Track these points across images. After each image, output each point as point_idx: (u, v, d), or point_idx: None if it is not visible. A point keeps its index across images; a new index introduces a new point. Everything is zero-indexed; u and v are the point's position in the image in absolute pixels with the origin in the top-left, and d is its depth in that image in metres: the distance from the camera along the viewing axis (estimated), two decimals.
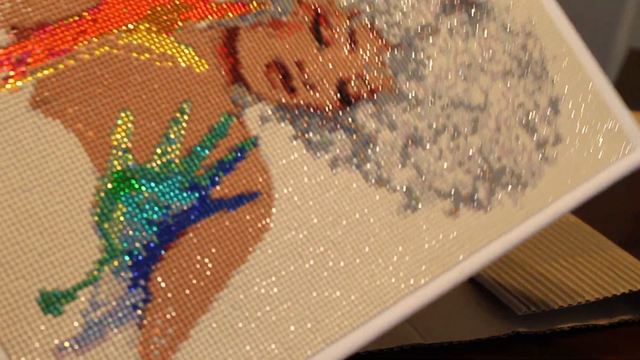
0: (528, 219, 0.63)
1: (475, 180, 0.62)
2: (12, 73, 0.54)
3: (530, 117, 0.65)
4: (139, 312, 0.53)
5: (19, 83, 0.54)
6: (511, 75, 0.65)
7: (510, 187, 0.63)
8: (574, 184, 0.65)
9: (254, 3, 0.60)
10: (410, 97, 0.62)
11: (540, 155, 0.64)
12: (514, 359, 0.71)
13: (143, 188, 0.55)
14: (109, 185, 0.54)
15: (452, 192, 0.61)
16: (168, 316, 0.53)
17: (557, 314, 0.76)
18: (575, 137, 0.66)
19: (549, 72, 0.67)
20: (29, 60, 0.54)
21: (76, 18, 0.56)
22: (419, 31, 0.64)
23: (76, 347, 0.51)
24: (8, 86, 0.54)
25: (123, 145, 0.55)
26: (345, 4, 0.63)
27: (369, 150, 0.60)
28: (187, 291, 0.54)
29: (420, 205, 0.60)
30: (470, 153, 0.62)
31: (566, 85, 0.67)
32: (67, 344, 0.51)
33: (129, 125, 0.55)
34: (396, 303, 0.58)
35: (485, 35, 0.66)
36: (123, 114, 0.55)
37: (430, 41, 0.64)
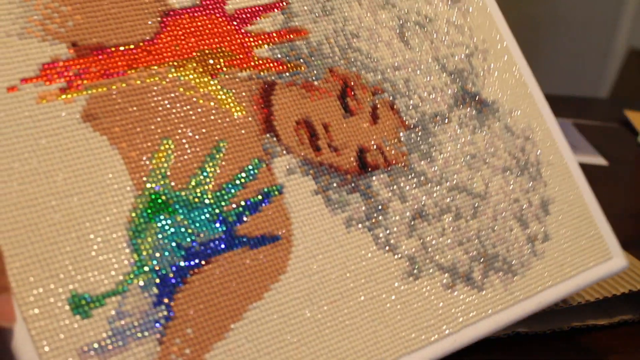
0: (515, 304, 0.66)
1: (472, 261, 0.66)
2: (67, 85, 0.56)
3: (523, 213, 0.69)
4: (161, 328, 0.54)
5: (74, 95, 0.56)
6: (510, 172, 0.70)
7: (501, 272, 0.66)
8: (556, 281, 0.69)
9: (291, 63, 0.64)
10: (420, 174, 0.66)
11: (530, 248, 0.68)
12: (514, 359, 0.71)
13: (176, 213, 0.57)
14: (145, 205, 0.56)
15: (451, 268, 0.64)
16: (187, 337, 0.54)
17: (557, 314, 0.76)
18: (561, 238, 0.71)
19: (543, 175, 0.72)
20: (86, 76, 0.57)
21: (132, 46, 0.59)
22: (433, 117, 0.68)
23: (99, 352, 0.52)
24: (63, 96, 0.56)
25: (162, 170, 0.57)
26: (371, 80, 0.67)
27: (381, 217, 0.63)
28: (207, 316, 0.56)
29: (422, 275, 0.63)
30: (469, 235, 0.66)
31: (557, 190, 0.72)
32: (92, 347, 0.52)
33: (170, 152, 0.58)
34: None
35: (490, 132, 0.70)
36: (165, 142, 0.58)
37: (442, 128, 0.68)
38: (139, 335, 0.53)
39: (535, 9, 2.12)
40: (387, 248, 0.63)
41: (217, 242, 0.57)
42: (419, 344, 0.62)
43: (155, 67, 0.59)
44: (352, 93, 0.66)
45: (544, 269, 0.69)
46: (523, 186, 0.70)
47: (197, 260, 0.56)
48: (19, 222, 0.52)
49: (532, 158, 0.72)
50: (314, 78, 0.65)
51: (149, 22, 0.60)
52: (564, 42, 2.10)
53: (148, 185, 0.57)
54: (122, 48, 0.59)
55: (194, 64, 0.61)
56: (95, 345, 0.52)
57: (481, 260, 0.66)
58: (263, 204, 0.60)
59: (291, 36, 0.65)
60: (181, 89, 0.60)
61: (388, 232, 0.63)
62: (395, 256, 0.63)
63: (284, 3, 0.65)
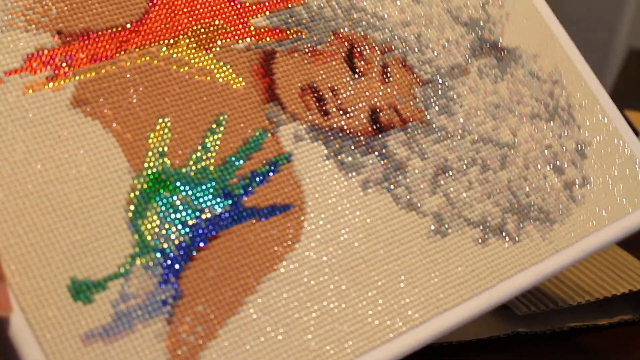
0: (556, 253, 0.63)
1: (504, 212, 0.62)
2: (54, 73, 0.55)
3: (557, 159, 0.66)
4: (168, 307, 0.52)
5: (61, 83, 0.55)
6: (539, 119, 0.66)
7: (538, 222, 0.63)
8: (599, 226, 0.65)
9: (291, 30, 0.62)
10: (440, 129, 0.63)
11: (568, 194, 0.65)
12: (514, 359, 0.70)
13: (177, 190, 0.55)
14: (144, 185, 0.54)
15: (481, 222, 0.61)
16: (197, 314, 0.53)
17: (557, 314, 0.75)
18: (600, 182, 0.67)
19: (576, 119, 0.68)
20: (72, 63, 0.56)
21: (119, 29, 0.58)
22: (450, 70, 0.65)
23: (104, 335, 0.51)
24: (50, 85, 0.55)
25: (160, 149, 0.56)
26: (379, 39, 0.64)
27: (400, 176, 0.61)
28: (218, 292, 0.54)
29: (449, 231, 0.60)
30: (499, 187, 0.63)
31: (592, 132, 0.68)
32: (96, 332, 0.50)
33: (166, 131, 0.56)
34: (425, 322, 0.58)
35: (514, 80, 0.67)
36: (161, 120, 0.56)
37: (460, 80, 0.65)
38: (146, 316, 0.52)
39: None
40: (409, 207, 0.60)
41: (223, 216, 0.56)
42: (451, 302, 0.59)
43: (146, 47, 0.58)
44: (360, 54, 0.63)
45: (585, 214, 0.65)
46: (555, 131, 0.67)
47: (203, 237, 0.55)
48: (11, 211, 0.51)
49: (562, 102, 0.68)
50: (316, 43, 0.63)
51: (137, 3, 0.59)
52: None
53: (146, 165, 0.55)
54: (108, 31, 0.57)
55: (187, 40, 0.59)
56: (100, 330, 0.51)
57: (514, 211, 0.63)
58: (271, 174, 0.58)
59: (289, 2, 0.63)
60: (174, 66, 0.58)
61: (409, 191, 0.61)
62: (419, 215, 0.60)
63: None
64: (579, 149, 0.67)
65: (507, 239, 0.62)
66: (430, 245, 0.60)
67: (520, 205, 0.63)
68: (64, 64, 0.56)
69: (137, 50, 0.58)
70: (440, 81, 0.65)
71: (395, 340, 0.57)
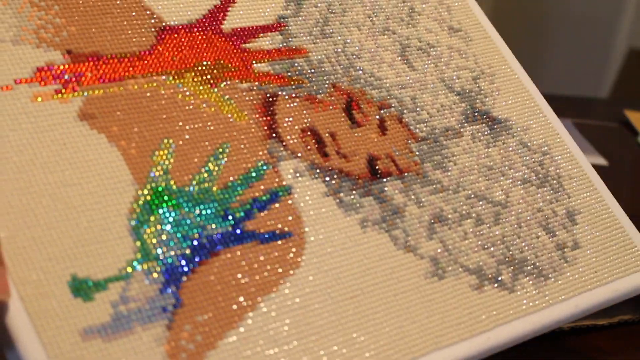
0: (550, 306, 0.62)
1: (499, 264, 0.62)
2: (63, 87, 0.55)
3: (548, 222, 0.66)
4: (168, 314, 0.51)
5: (69, 96, 0.55)
6: (530, 184, 0.67)
7: (532, 275, 0.63)
8: (593, 285, 0.65)
9: (293, 79, 0.63)
10: (436, 182, 0.64)
11: (560, 255, 0.65)
12: (514, 359, 0.68)
13: (180, 207, 0.55)
14: (148, 197, 0.54)
15: (477, 270, 0.61)
16: (197, 324, 0.52)
17: None
18: (592, 247, 0.67)
19: (565, 188, 0.69)
20: (80, 80, 0.56)
21: (128, 56, 0.59)
22: (444, 131, 0.67)
23: (103, 333, 0.49)
24: (59, 96, 0.55)
25: (164, 166, 0.56)
26: (376, 96, 0.66)
27: (398, 219, 0.61)
28: (218, 305, 0.53)
29: (446, 275, 0.60)
30: (494, 240, 0.63)
31: (582, 201, 0.69)
32: (94, 329, 0.49)
33: (171, 151, 0.56)
34: (424, 356, 0.56)
35: (505, 147, 0.68)
36: (165, 141, 0.57)
37: (454, 142, 0.66)
38: (146, 320, 0.51)
39: (535, 9, 2.11)
40: (407, 249, 0.60)
41: (225, 235, 0.55)
42: (450, 340, 0.58)
43: (153, 75, 0.59)
44: (358, 106, 0.65)
45: (577, 274, 0.65)
46: (545, 197, 0.68)
47: (204, 251, 0.54)
48: (15, 206, 0.51)
49: (552, 172, 0.69)
50: (317, 92, 0.64)
51: (145, 35, 0.60)
52: (564, 42, 2.07)
53: (150, 179, 0.55)
54: (117, 56, 0.58)
55: (193, 74, 0.60)
56: (99, 328, 0.49)
57: (509, 264, 0.63)
58: (272, 203, 0.58)
59: (291, 53, 0.64)
60: (180, 96, 0.59)
61: (406, 233, 0.61)
62: (417, 257, 0.60)
63: (282, 26, 0.65)
64: (570, 215, 0.68)
65: (502, 288, 0.61)
66: (428, 285, 0.59)
67: (514, 259, 0.63)
68: (72, 80, 0.56)
69: (144, 77, 0.58)
70: (435, 140, 0.66)
71: None
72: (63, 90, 0.55)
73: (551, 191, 0.68)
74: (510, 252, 0.63)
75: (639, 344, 0.75)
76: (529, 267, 0.63)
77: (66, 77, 0.56)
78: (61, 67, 0.56)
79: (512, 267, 0.62)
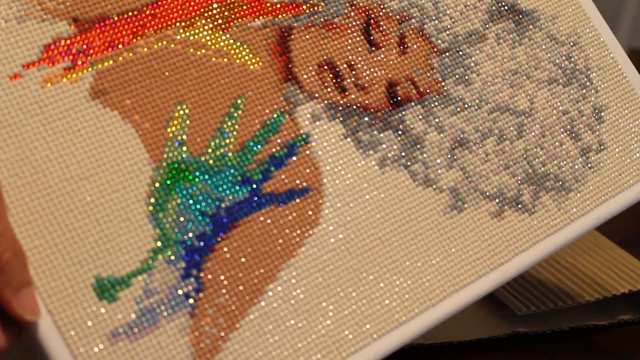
0: (571, 222, 0.63)
1: (520, 183, 0.63)
2: (72, 64, 0.55)
3: (574, 124, 0.66)
4: (191, 301, 0.54)
5: (79, 74, 0.55)
6: (556, 83, 0.66)
7: (554, 191, 0.64)
8: (615, 191, 0.66)
9: (307, 4, 0.61)
10: (457, 100, 0.63)
11: (584, 162, 0.65)
12: (514, 358, 0.71)
13: (197, 180, 0.56)
14: (164, 176, 0.55)
15: (498, 195, 0.62)
16: (219, 306, 0.54)
17: (557, 314, 0.75)
18: (618, 146, 0.67)
19: (594, 81, 0.68)
20: (90, 52, 0.56)
21: (135, 12, 0.57)
22: (467, 37, 0.65)
23: (130, 333, 0.52)
24: (68, 76, 0.55)
25: (179, 138, 0.56)
26: (395, 7, 0.64)
27: (417, 151, 0.61)
28: (238, 282, 0.55)
29: (466, 206, 0.61)
30: (516, 157, 0.63)
31: (610, 95, 0.68)
32: (121, 330, 0.52)
33: (185, 118, 0.56)
34: (442, 300, 0.59)
35: (531, 44, 0.67)
36: (179, 107, 0.56)
37: (478, 47, 0.65)
38: (169, 311, 0.53)
39: None
40: (426, 183, 0.61)
41: (243, 203, 0.56)
42: (467, 279, 0.60)
43: (163, 31, 0.58)
44: (377, 25, 0.63)
45: (600, 181, 0.65)
46: (572, 96, 0.67)
47: (223, 226, 0.56)
48: (35, 213, 0.52)
49: (581, 64, 0.68)
50: (333, 15, 0.62)
51: None
52: None
53: (165, 156, 0.56)
54: (125, 16, 0.57)
55: (203, 21, 0.59)
56: (125, 328, 0.52)
57: (531, 181, 0.63)
58: (289, 157, 0.58)
59: None
60: (191, 49, 0.58)
61: (426, 166, 0.61)
62: (436, 190, 0.61)
63: None
64: (596, 112, 0.67)
65: (523, 210, 0.62)
66: (447, 221, 0.60)
67: (536, 175, 0.63)
68: (81, 54, 0.55)
69: (153, 34, 0.57)
70: (458, 49, 0.64)
71: (412, 321, 0.58)
72: (72, 68, 0.55)
73: (578, 88, 0.67)
74: (532, 168, 0.63)
75: (639, 344, 0.75)
76: (550, 182, 0.64)
77: (74, 51, 0.55)
78: (68, 41, 0.55)
79: (533, 185, 0.63)
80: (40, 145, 0.53)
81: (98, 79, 0.55)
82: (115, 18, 0.57)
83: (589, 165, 0.65)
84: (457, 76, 0.64)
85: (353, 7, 0.63)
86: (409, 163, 0.61)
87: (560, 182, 0.64)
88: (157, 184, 0.55)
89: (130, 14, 0.57)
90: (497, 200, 0.62)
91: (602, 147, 0.66)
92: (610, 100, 0.68)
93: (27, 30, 0.55)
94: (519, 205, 0.62)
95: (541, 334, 0.74)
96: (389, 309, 0.57)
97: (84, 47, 0.56)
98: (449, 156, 0.62)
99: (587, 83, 0.67)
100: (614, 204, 0.65)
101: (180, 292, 0.54)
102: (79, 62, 0.55)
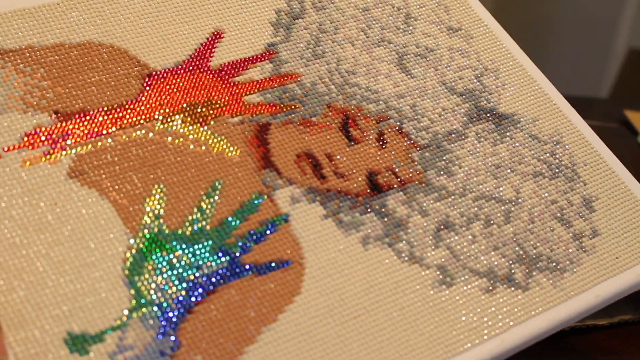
0: (569, 299, 0.62)
1: (512, 263, 0.62)
2: (51, 148, 0.57)
3: (564, 213, 0.65)
4: (167, 357, 0.52)
5: (58, 156, 0.57)
6: (542, 176, 0.67)
7: (547, 271, 0.62)
8: (614, 272, 0.64)
9: (285, 104, 0.64)
10: (440, 189, 0.64)
11: (578, 245, 0.64)
12: (514, 359, 0.66)
13: (174, 249, 0.56)
14: (141, 246, 0.56)
15: (488, 273, 0.61)
16: None
17: None
18: (612, 232, 0.66)
19: (580, 176, 0.68)
20: (69, 137, 0.58)
21: (115, 107, 0.60)
22: (447, 135, 0.66)
23: None
24: (47, 157, 0.57)
25: (156, 212, 0.57)
26: (373, 110, 0.66)
27: (401, 232, 0.61)
28: (217, 342, 0.54)
29: (455, 282, 0.60)
30: (505, 240, 0.63)
31: (599, 187, 0.68)
32: None
33: (162, 196, 0.58)
34: None
35: (513, 142, 0.68)
36: (156, 187, 0.58)
37: (459, 144, 0.66)
38: None
39: (535, 9, 2.07)
40: (412, 260, 0.60)
41: (221, 272, 0.56)
42: (460, 347, 0.58)
43: (142, 122, 0.60)
44: (354, 123, 0.65)
45: (597, 262, 0.64)
46: (559, 188, 0.67)
47: (200, 291, 0.55)
48: (8, 271, 0.53)
49: (566, 160, 0.68)
50: (311, 115, 0.64)
51: (132, 84, 0.61)
52: (564, 42, 2.03)
53: (142, 227, 0.56)
54: (105, 109, 0.60)
55: (182, 116, 0.61)
56: None
57: (522, 262, 0.62)
58: (268, 232, 0.58)
59: (282, 80, 0.65)
60: (169, 139, 0.60)
61: (411, 245, 0.61)
62: (423, 267, 0.60)
63: (272, 54, 0.66)
64: (586, 202, 0.67)
65: (516, 287, 0.61)
66: (436, 295, 0.59)
67: (528, 256, 0.62)
68: (60, 140, 0.58)
69: (132, 126, 0.60)
70: (438, 145, 0.66)
71: None
72: (52, 151, 0.57)
73: (565, 181, 0.67)
74: (523, 250, 0.63)
75: (639, 344, 0.75)
76: (543, 263, 0.63)
77: (54, 137, 0.58)
78: (49, 128, 0.58)
79: (524, 265, 0.62)
80: (17, 215, 0.55)
81: (77, 162, 0.57)
82: (95, 111, 0.60)
83: (583, 249, 0.64)
84: (438, 168, 0.65)
85: (331, 109, 0.65)
86: (393, 242, 0.61)
87: (554, 263, 0.63)
88: (133, 251, 0.55)
89: (109, 109, 0.60)
90: (487, 278, 0.61)
91: (595, 233, 0.65)
92: (600, 192, 0.68)
93: (9, 120, 0.58)
94: (512, 282, 0.61)
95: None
96: None
97: (63, 134, 0.58)
98: (435, 237, 0.62)
99: (574, 177, 0.68)
100: (614, 283, 0.64)
101: (155, 348, 0.53)
102: (58, 147, 0.58)
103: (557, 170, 0.68)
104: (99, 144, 0.59)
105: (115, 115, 0.60)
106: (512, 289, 0.61)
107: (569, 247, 0.64)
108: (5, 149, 0.57)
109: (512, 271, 0.62)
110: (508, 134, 0.68)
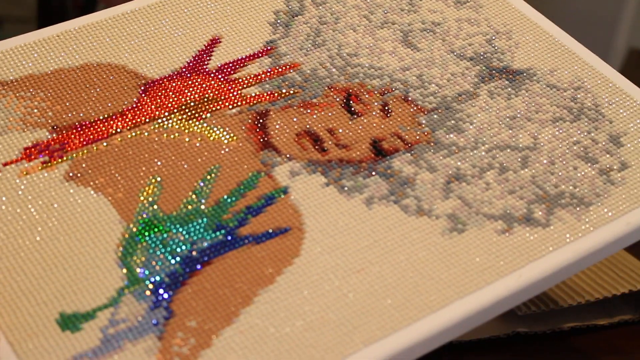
0: (596, 229, 0.58)
1: (530, 204, 0.59)
2: (49, 159, 0.59)
3: (588, 152, 0.62)
4: (160, 327, 0.52)
5: (55, 164, 0.59)
6: (562, 121, 0.64)
7: (571, 206, 0.59)
8: None
9: (284, 91, 0.64)
10: (450, 145, 0.62)
11: (605, 179, 0.61)
12: (514, 359, 0.68)
13: (168, 230, 0.56)
14: (134, 230, 0.56)
15: (504, 215, 0.58)
16: (190, 329, 0.52)
17: (557, 314, 0.73)
18: None
19: (605, 115, 0.65)
20: (67, 147, 0.60)
21: (112, 116, 0.62)
22: (457, 97, 0.65)
23: (92, 355, 0.51)
24: (45, 166, 0.59)
25: (151, 199, 0.58)
26: (377, 84, 0.65)
27: (408, 189, 0.59)
28: (211, 307, 0.53)
29: (467, 227, 0.58)
30: (522, 183, 0.60)
31: (626, 122, 0.65)
32: (83, 354, 0.51)
33: (158, 186, 0.58)
34: (443, 307, 0.54)
35: (530, 94, 0.65)
36: (152, 178, 0.59)
37: (469, 103, 0.64)
38: (136, 335, 0.52)
39: (535, 9, 1.98)
40: (419, 213, 0.58)
41: (217, 245, 0.56)
42: (473, 287, 0.55)
43: (137, 127, 0.61)
44: (357, 98, 0.64)
45: (627, 193, 0.60)
46: (582, 129, 0.64)
47: (195, 264, 0.55)
48: (2, 268, 0.54)
49: (589, 103, 0.65)
50: (312, 97, 0.64)
51: (130, 93, 0.63)
52: None
53: (137, 215, 0.57)
54: (102, 117, 0.62)
55: (179, 114, 0.62)
56: (89, 353, 0.51)
57: (542, 201, 0.59)
58: (267, 206, 0.58)
59: (282, 71, 0.65)
60: (165, 135, 0.61)
61: (418, 199, 0.59)
62: (432, 217, 0.58)
63: (270, 49, 0.67)
64: (614, 139, 0.63)
65: (535, 225, 0.58)
66: (447, 241, 0.57)
67: (548, 196, 0.60)
68: (58, 150, 0.60)
69: (128, 130, 0.61)
70: (447, 107, 0.64)
71: (410, 328, 0.53)
72: (49, 161, 0.59)
73: (588, 122, 0.64)
74: (543, 190, 0.60)
75: (639, 344, 0.74)
76: (566, 199, 0.59)
77: (51, 148, 0.60)
78: (47, 142, 0.60)
79: (545, 204, 0.59)
80: (15, 219, 0.57)
81: (73, 166, 0.59)
82: (92, 122, 0.61)
83: (611, 181, 0.61)
84: (448, 127, 0.63)
85: (332, 89, 0.65)
86: (399, 199, 0.59)
87: (577, 199, 0.60)
88: (127, 236, 0.56)
89: (106, 117, 0.62)
90: (503, 220, 0.58)
91: (625, 166, 0.62)
92: (628, 128, 0.64)
93: (8, 140, 0.60)
94: (531, 221, 0.58)
95: (541, 334, 0.72)
96: (382, 319, 0.53)
97: (62, 144, 0.60)
98: (445, 189, 0.60)
99: (599, 117, 0.65)
100: None
101: (147, 319, 0.53)
102: (56, 156, 0.59)
103: (578, 113, 0.65)
104: (95, 148, 0.60)
105: (112, 123, 0.62)
106: (531, 227, 0.58)
107: (596, 182, 0.61)
108: (4, 163, 0.59)
109: (531, 210, 0.59)
110: (524, 87, 0.66)
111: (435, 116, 0.64)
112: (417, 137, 0.62)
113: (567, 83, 0.67)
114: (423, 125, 0.63)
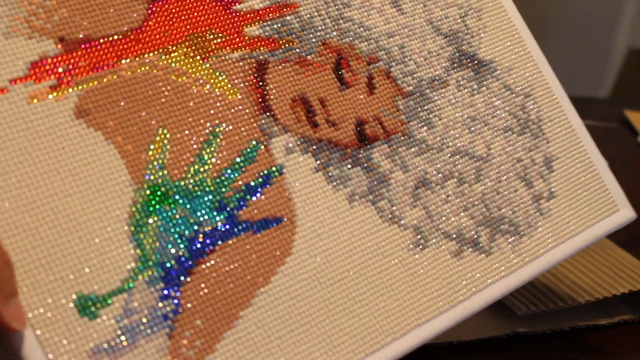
0: (524, 266, 0.66)
1: (478, 225, 0.65)
2: (57, 82, 0.55)
3: (527, 172, 0.69)
4: (169, 322, 0.54)
5: (64, 92, 0.55)
6: (511, 132, 0.69)
7: (508, 234, 0.66)
8: (564, 238, 0.69)
9: (283, 40, 0.63)
10: (421, 142, 0.65)
11: (536, 208, 0.68)
12: (514, 359, 0.71)
13: (176, 204, 0.56)
14: (145, 198, 0.55)
15: (457, 235, 0.64)
16: (196, 328, 0.54)
17: (557, 314, 0.76)
18: (566, 195, 0.70)
19: (545, 132, 0.71)
20: (75, 71, 0.56)
21: (120, 36, 0.58)
22: (430, 82, 0.67)
23: (110, 351, 0.52)
24: (54, 94, 0.55)
25: (159, 161, 0.56)
26: (365, 49, 0.66)
27: (383, 189, 0.63)
28: (215, 306, 0.55)
29: (428, 244, 0.63)
30: (474, 200, 0.66)
31: (559, 146, 0.71)
32: (101, 347, 0.52)
33: (166, 142, 0.57)
34: (405, 334, 0.60)
35: (489, 92, 0.70)
36: (160, 131, 0.57)
37: (440, 93, 0.68)
38: (148, 331, 0.53)
39: (535, 9, 2.09)
40: (391, 221, 0.63)
41: (219, 229, 0.57)
42: (429, 315, 0.61)
43: (146, 56, 0.58)
44: (347, 64, 0.65)
45: (550, 227, 0.68)
46: (525, 145, 0.70)
47: (201, 250, 0.56)
48: (18, 227, 0.52)
49: (533, 115, 0.71)
50: (307, 53, 0.64)
51: (136, 10, 0.59)
52: (564, 42, 2.06)
53: (146, 178, 0.56)
54: (109, 39, 0.58)
55: (185, 49, 0.60)
56: (105, 346, 0.52)
57: (487, 224, 0.66)
58: (264, 187, 0.59)
59: (281, 11, 0.64)
60: (173, 76, 0.59)
61: (391, 204, 0.63)
62: (401, 228, 0.63)
63: None
64: (547, 162, 0.70)
65: (480, 251, 0.65)
66: (411, 258, 0.62)
67: (492, 218, 0.66)
68: (66, 73, 0.56)
69: (137, 59, 0.58)
70: (422, 93, 0.67)
71: (378, 353, 0.59)
72: (58, 86, 0.55)
73: (531, 137, 0.70)
74: (489, 211, 0.66)
75: (639, 344, 0.76)
76: (505, 226, 0.66)
77: (60, 69, 0.56)
78: (55, 59, 0.56)
79: (489, 228, 0.65)
80: (25, 161, 0.53)
81: (83, 99, 0.56)
82: (100, 40, 0.57)
83: (540, 211, 0.68)
84: (420, 119, 0.66)
85: (325, 46, 0.64)
86: (376, 199, 0.63)
87: (514, 227, 0.67)
88: (138, 205, 0.55)
89: (114, 37, 0.58)
90: (456, 241, 0.64)
91: (552, 195, 0.69)
92: (560, 151, 0.71)
93: (14, 47, 0.55)
94: (477, 246, 0.65)
95: (541, 334, 0.74)
96: (357, 340, 0.59)
97: (70, 66, 0.56)
98: (413, 195, 0.64)
99: (539, 133, 0.70)
100: (563, 249, 0.68)
101: (159, 312, 0.54)
102: (65, 81, 0.56)
103: (524, 126, 0.70)
104: (105, 79, 0.57)
105: (120, 46, 0.58)
106: (477, 252, 0.65)
107: (529, 209, 0.68)
108: (12, 81, 0.54)
109: (478, 234, 0.65)
110: (485, 83, 0.70)
111: (411, 102, 0.66)
112: (394, 127, 0.65)
113: (520, 87, 0.71)
114: (400, 112, 0.66)
